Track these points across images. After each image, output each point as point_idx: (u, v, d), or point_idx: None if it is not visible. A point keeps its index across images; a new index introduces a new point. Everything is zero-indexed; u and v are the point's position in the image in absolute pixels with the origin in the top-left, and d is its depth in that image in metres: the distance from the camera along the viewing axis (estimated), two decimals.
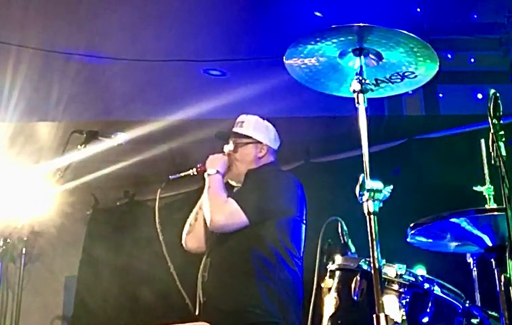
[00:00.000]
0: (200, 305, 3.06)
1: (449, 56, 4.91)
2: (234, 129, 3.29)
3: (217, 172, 3.14)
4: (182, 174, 3.28)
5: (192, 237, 3.27)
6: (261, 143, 3.25)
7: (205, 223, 3.16)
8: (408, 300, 2.28)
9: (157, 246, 3.18)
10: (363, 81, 2.14)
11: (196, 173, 3.23)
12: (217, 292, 3.00)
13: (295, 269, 3.02)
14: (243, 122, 3.29)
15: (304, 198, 3.18)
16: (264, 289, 2.91)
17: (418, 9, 4.82)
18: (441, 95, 4.99)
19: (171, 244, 3.24)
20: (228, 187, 3.22)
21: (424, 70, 2.26)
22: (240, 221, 2.98)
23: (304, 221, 3.15)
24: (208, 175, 3.15)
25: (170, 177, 3.30)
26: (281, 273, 2.96)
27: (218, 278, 3.03)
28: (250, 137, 3.25)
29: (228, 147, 3.27)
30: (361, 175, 1.98)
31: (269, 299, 2.89)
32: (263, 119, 3.33)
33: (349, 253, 2.58)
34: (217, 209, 3.02)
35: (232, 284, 2.97)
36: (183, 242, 3.29)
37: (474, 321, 2.36)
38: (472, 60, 5.02)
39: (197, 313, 3.04)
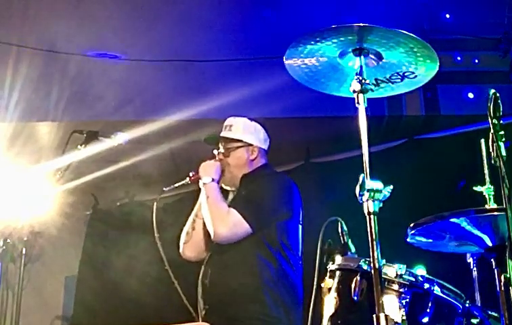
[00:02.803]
0: (201, 311, 3.04)
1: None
2: (223, 133, 3.24)
3: (213, 180, 3.10)
4: (176, 185, 3.25)
5: (190, 246, 3.24)
6: (251, 145, 3.22)
7: (204, 232, 3.14)
8: (408, 300, 2.27)
9: (157, 247, 3.18)
10: (363, 81, 2.14)
11: (189, 182, 3.20)
12: (222, 299, 2.97)
13: (295, 269, 3.02)
14: (231, 125, 3.24)
15: (300, 198, 3.18)
16: (269, 294, 2.90)
17: (448, 16, 4.82)
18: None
19: (172, 247, 3.24)
20: (223, 192, 3.20)
21: (424, 70, 2.26)
22: (244, 231, 2.96)
23: (300, 222, 3.14)
24: (204, 183, 3.10)
25: (164, 188, 3.27)
26: (283, 276, 2.96)
27: (222, 285, 2.99)
28: (241, 141, 3.21)
29: (219, 152, 3.24)
30: (361, 175, 1.98)
31: (274, 304, 2.89)
32: (251, 120, 3.28)
33: (349, 253, 2.58)
34: (220, 222, 2.98)
35: (237, 291, 2.94)
36: (180, 251, 3.26)
37: (474, 321, 2.36)
38: (476, 61, 5.01)
39: (200, 320, 3.03)
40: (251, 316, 2.88)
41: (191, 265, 3.27)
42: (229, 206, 3.05)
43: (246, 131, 3.23)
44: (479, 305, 2.74)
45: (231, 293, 2.95)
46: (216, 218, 2.99)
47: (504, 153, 1.93)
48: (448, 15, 5.07)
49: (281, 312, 2.89)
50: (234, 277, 2.97)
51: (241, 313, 2.90)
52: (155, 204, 3.21)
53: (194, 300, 3.12)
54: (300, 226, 3.14)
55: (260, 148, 3.24)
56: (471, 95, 4.99)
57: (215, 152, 3.26)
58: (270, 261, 2.95)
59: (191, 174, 3.19)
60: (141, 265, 5.75)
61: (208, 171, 3.14)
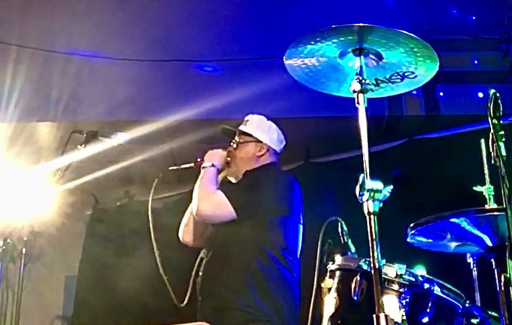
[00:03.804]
0: (198, 304, 3.07)
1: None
2: (240, 127, 3.33)
3: (212, 165, 3.18)
4: (181, 166, 3.32)
5: (187, 231, 3.29)
6: (261, 142, 3.26)
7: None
8: (408, 300, 2.28)
9: (157, 246, 3.19)
10: (363, 81, 2.14)
11: (194, 166, 3.26)
12: (211, 290, 3.02)
13: (290, 268, 3.01)
14: (248, 120, 3.33)
15: (301, 199, 3.18)
16: (255, 287, 2.91)
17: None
18: (441, 94, 4.97)
19: (168, 244, 3.25)
20: (225, 183, 3.24)
21: (424, 70, 2.26)
22: (226, 213, 3.00)
23: (301, 222, 3.14)
24: (203, 167, 3.19)
25: (169, 168, 3.34)
26: (274, 271, 2.96)
27: (211, 277, 3.04)
28: (251, 136, 3.27)
29: (231, 144, 3.31)
30: (361, 175, 1.98)
31: (260, 298, 2.90)
32: (268, 119, 3.34)
33: (349, 253, 2.58)
34: (204, 198, 3.05)
35: (224, 283, 2.98)
36: (179, 234, 3.32)
37: (474, 321, 2.36)
38: (476, 62, 5.01)
39: (183, 304, 3.08)
40: (237, 307, 2.90)
41: (190, 261, 3.28)
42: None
43: (258, 127, 3.30)
44: (479, 305, 2.74)
45: (220, 285, 2.99)
46: (201, 195, 3.07)
47: (504, 153, 1.94)
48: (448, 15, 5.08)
49: (268, 307, 2.89)
50: (223, 269, 3.01)
51: (228, 304, 2.93)
52: (154, 184, 3.23)
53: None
54: (300, 226, 3.14)
55: (270, 147, 3.28)
56: (471, 95, 4.99)
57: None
58: (260, 255, 2.96)
59: (198, 159, 3.26)
60: (141, 265, 5.73)
61: (211, 158, 3.23)
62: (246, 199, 3.03)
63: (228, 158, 3.28)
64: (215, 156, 3.24)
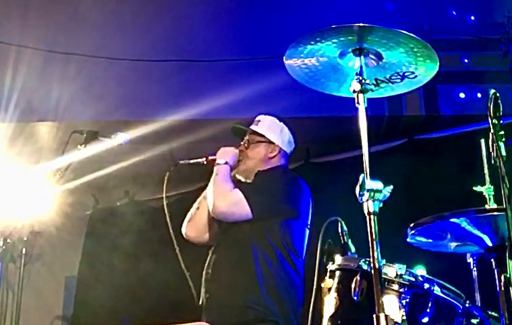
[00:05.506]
0: (203, 300, 3.06)
1: (466, 61, 4.92)
2: (251, 126, 3.32)
3: (226, 163, 3.16)
4: (192, 161, 3.28)
5: (192, 226, 3.28)
6: (273, 143, 3.26)
7: (208, 213, 3.18)
8: (408, 300, 2.28)
9: (157, 246, 3.19)
10: (363, 81, 2.14)
11: (205, 162, 3.24)
12: (219, 288, 3.00)
13: (296, 270, 3.02)
14: (259, 121, 3.32)
15: (310, 202, 3.19)
16: (265, 287, 2.91)
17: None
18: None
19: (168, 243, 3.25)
20: (235, 182, 3.23)
21: (424, 70, 2.26)
22: (243, 212, 2.99)
23: (308, 226, 3.15)
24: (217, 164, 3.16)
25: (180, 161, 3.31)
26: (282, 272, 2.97)
27: (220, 274, 3.03)
28: (263, 136, 3.27)
29: (243, 143, 3.30)
30: (362, 175, 1.98)
31: (269, 297, 2.90)
32: (280, 121, 3.34)
33: (349, 253, 2.58)
34: (221, 196, 3.03)
35: (234, 280, 2.98)
36: (183, 229, 3.30)
37: (474, 321, 2.36)
38: (466, 60, 5.01)
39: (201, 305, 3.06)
40: (244, 305, 2.90)
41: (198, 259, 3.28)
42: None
43: (271, 128, 3.29)
44: (479, 305, 2.74)
45: (227, 282, 2.99)
46: (217, 192, 3.05)
47: (504, 153, 1.94)
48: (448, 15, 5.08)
49: (276, 306, 2.90)
50: (233, 267, 3.00)
51: (237, 302, 2.92)
52: (165, 179, 3.22)
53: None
54: (307, 230, 3.14)
55: (281, 149, 3.28)
56: (470, 96, 4.99)
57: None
58: (270, 256, 2.96)
59: (210, 157, 3.23)
60: (141, 265, 5.74)
61: (224, 155, 3.21)
62: (262, 200, 3.02)
63: (239, 157, 3.27)
64: (228, 154, 3.22)
